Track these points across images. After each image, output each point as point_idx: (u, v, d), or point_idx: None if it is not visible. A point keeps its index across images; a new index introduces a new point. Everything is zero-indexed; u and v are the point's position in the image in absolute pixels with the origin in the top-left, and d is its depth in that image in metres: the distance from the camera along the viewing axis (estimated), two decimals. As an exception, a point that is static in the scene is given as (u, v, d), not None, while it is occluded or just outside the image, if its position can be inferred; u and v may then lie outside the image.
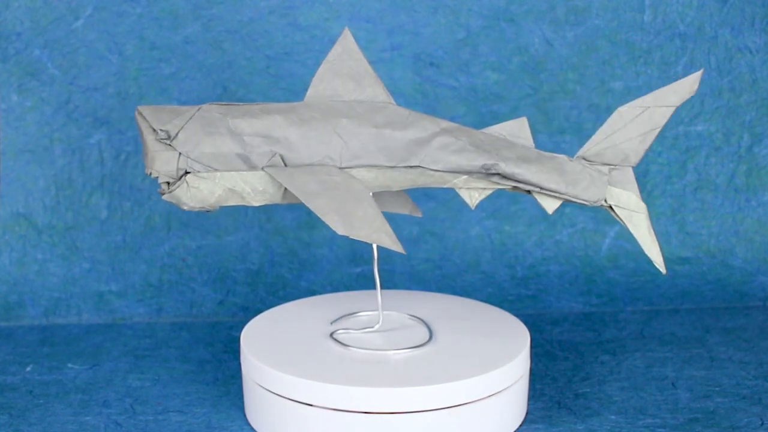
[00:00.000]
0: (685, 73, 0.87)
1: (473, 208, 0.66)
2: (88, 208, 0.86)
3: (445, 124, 0.65)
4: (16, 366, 0.76)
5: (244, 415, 0.67)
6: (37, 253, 0.86)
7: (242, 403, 0.68)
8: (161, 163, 0.62)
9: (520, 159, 0.65)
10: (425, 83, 0.87)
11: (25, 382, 0.73)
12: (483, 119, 0.87)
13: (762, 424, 0.66)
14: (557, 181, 0.66)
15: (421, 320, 0.70)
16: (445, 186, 0.65)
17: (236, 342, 0.79)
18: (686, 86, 0.66)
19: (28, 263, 0.86)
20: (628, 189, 0.67)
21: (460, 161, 0.64)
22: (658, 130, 0.67)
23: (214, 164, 0.62)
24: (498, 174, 0.65)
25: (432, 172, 0.65)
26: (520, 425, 0.66)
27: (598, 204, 0.66)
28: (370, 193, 0.63)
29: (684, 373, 0.73)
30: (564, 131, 0.88)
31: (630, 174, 0.67)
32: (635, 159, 0.66)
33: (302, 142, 0.63)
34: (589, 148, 0.66)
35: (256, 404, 0.65)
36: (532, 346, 0.75)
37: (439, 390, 0.61)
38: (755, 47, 0.88)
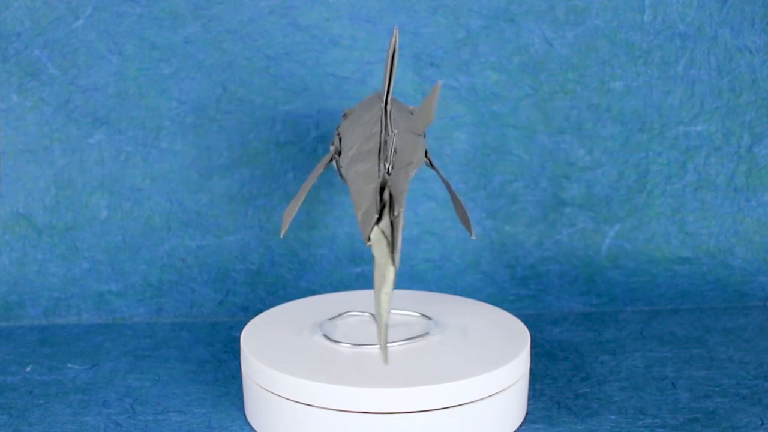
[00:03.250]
0: (686, 74, 0.87)
1: None
2: (88, 208, 0.86)
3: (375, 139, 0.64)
4: (16, 366, 0.76)
5: (244, 415, 0.67)
6: (37, 253, 0.86)
7: (242, 403, 0.68)
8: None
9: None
10: (425, 83, 0.87)
11: (25, 382, 0.73)
12: (483, 119, 0.87)
13: (762, 424, 0.66)
14: (355, 207, 0.58)
15: (421, 315, 0.70)
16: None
17: (236, 342, 0.79)
18: (423, 111, 0.56)
19: (28, 263, 0.86)
20: (389, 237, 0.55)
21: (358, 168, 0.63)
22: (413, 166, 0.56)
23: (337, 144, 0.69)
24: None
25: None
26: (520, 425, 0.66)
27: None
28: (309, 186, 0.67)
29: (684, 373, 0.73)
30: (564, 131, 0.88)
31: (396, 220, 0.55)
32: (397, 202, 0.55)
33: (347, 135, 0.68)
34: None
35: (256, 404, 0.65)
36: (532, 346, 0.75)
37: (439, 390, 0.61)
38: (755, 47, 0.88)
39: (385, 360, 0.54)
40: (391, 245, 0.54)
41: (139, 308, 0.85)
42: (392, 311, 0.71)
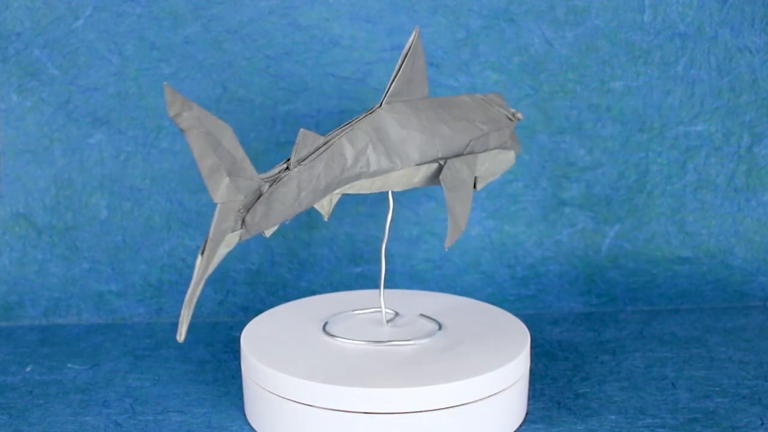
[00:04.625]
0: (686, 74, 0.87)
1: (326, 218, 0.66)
2: (88, 208, 0.86)
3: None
4: (16, 366, 0.76)
5: (244, 415, 0.67)
6: (37, 253, 0.86)
7: (242, 403, 0.68)
8: None
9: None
10: (425, 83, 0.87)
11: (25, 382, 0.73)
12: (483, 119, 0.87)
13: (762, 424, 0.66)
14: None
15: (426, 317, 0.70)
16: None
17: (236, 342, 0.79)
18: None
19: (28, 263, 0.86)
20: None
21: None
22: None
23: None
24: None
25: None
26: (520, 425, 0.66)
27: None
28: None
29: (684, 373, 0.73)
30: (564, 131, 0.88)
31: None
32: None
33: None
34: None
35: (256, 404, 0.65)
36: (532, 346, 0.75)
37: (439, 390, 0.61)
38: (755, 47, 0.88)
39: (180, 336, 0.56)
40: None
41: (139, 308, 0.85)
42: (392, 310, 0.71)
